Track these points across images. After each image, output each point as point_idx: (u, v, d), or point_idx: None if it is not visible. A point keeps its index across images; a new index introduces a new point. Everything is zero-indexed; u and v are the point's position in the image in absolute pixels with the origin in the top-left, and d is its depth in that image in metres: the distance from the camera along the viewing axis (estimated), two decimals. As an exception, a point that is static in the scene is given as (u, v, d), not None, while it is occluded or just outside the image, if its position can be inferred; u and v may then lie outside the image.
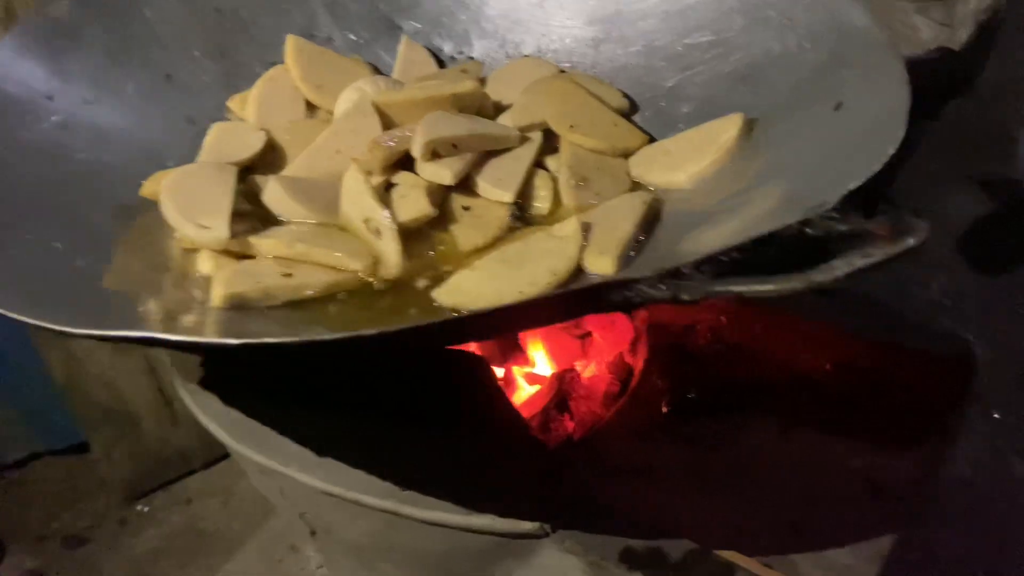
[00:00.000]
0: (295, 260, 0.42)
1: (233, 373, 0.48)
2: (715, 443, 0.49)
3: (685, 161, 0.47)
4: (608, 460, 0.49)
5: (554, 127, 0.52)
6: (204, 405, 0.46)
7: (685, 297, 0.28)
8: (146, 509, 0.88)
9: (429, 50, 0.62)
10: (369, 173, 0.47)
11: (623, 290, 0.29)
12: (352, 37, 0.62)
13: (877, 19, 0.49)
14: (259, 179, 0.50)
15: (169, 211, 0.46)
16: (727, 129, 0.49)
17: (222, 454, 0.90)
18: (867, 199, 0.35)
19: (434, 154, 0.49)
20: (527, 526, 0.42)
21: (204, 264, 0.43)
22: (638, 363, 0.57)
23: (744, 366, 0.53)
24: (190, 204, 0.46)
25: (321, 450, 0.43)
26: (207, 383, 0.46)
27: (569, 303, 0.32)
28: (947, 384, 0.49)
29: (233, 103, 0.57)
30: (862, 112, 0.42)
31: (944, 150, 1.09)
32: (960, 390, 0.48)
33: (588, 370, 0.57)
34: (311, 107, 0.57)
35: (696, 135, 0.49)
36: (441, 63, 0.62)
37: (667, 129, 0.53)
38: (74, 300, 0.39)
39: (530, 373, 0.56)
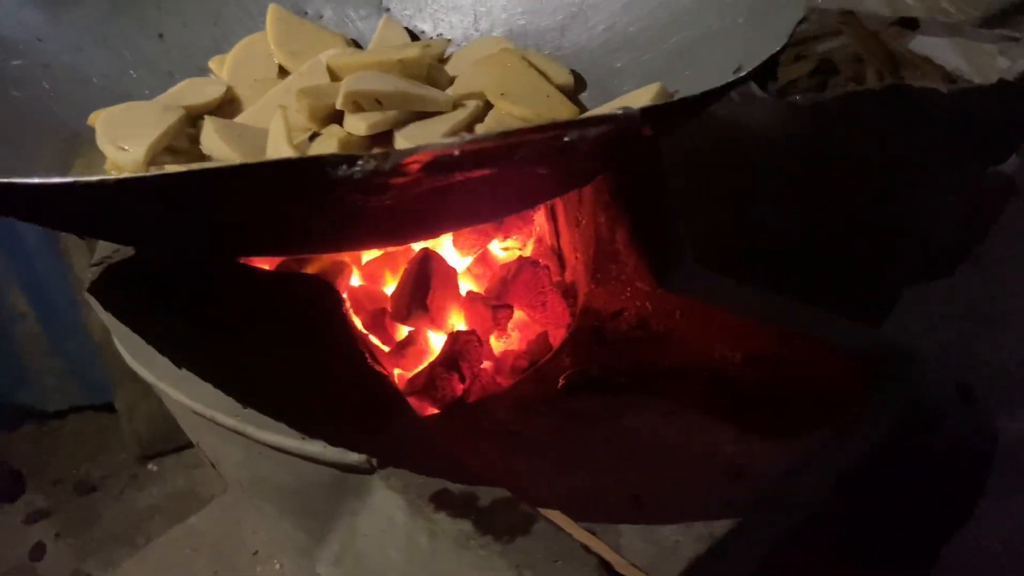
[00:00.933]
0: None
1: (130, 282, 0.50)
2: (594, 419, 0.47)
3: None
4: (480, 423, 0.48)
5: (487, 95, 0.53)
6: (103, 316, 0.49)
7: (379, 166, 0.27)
8: (155, 469, 0.92)
9: (407, 29, 0.64)
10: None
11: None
12: (340, 13, 0.65)
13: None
14: (206, 119, 0.54)
15: (99, 135, 0.50)
16: (641, 97, 0.48)
17: (234, 428, 0.94)
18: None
19: (357, 107, 0.51)
20: (354, 457, 0.41)
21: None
22: (556, 343, 0.55)
23: (654, 351, 0.51)
24: (119, 131, 0.50)
25: (177, 361, 0.44)
26: (101, 294, 0.49)
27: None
28: (837, 381, 0.44)
29: (213, 63, 0.61)
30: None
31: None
32: (849, 388, 0.44)
33: (504, 344, 0.55)
34: (284, 72, 0.60)
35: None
36: (414, 37, 0.64)
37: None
38: None
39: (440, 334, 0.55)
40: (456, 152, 0.25)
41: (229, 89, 0.57)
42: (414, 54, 0.54)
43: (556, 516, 0.39)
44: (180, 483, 0.90)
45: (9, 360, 0.97)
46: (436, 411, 0.50)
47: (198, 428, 0.50)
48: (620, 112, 0.26)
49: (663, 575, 0.36)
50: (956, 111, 0.80)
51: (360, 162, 0.28)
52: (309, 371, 0.43)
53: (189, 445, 0.95)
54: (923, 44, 1.00)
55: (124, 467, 0.93)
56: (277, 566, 0.68)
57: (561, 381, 0.50)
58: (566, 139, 0.26)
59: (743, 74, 0.38)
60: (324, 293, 0.43)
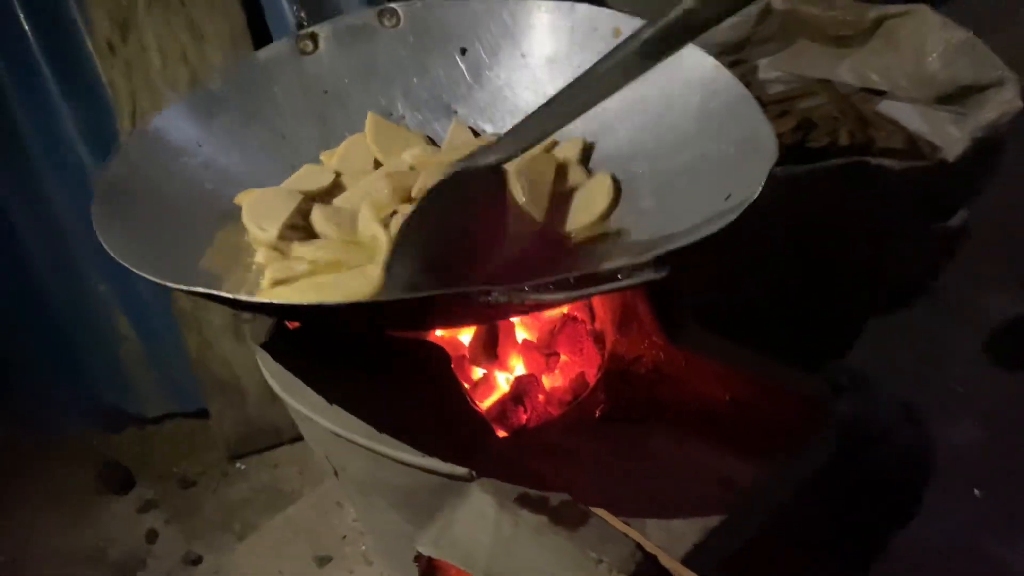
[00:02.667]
0: (317, 262, 0.62)
1: (288, 339, 0.68)
2: (622, 442, 0.65)
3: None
4: (542, 442, 0.66)
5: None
6: (263, 360, 0.67)
7: (516, 302, 0.45)
8: (243, 467, 1.10)
9: (473, 130, 0.82)
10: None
11: (484, 295, 0.47)
12: (419, 116, 0.83)
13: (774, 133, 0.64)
14: (315, 204, 0.71)
15: (244, 215, 0.68)
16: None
17: (306, 433, 1.12)
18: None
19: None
20: (460, 470, 0.59)
21: (259, 256, 0.64)
22: (593, 381, 0.73)
23: (664, 390, 0.69)
24: (258, 212, 0.68)
25: (330, 399, 0.62)
26: (270, 348, 0.67)
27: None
28: (796, 415, 0.62)
29: (324, 156, 0.79)
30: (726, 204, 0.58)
31: (992, 248, 1.18)
32: (804, 421, 0.62)
33: (554, 382, 0.73)
34: (379, 164, 0.78)
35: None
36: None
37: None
38: (179, 269, 0.61)
39: (508, 378, 0.73)
40: (562, 300, 0.43)
41: (336, 176, 0.75)
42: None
43: (602, 512, 0.57)
44: (265, 479, 1.08)
45: (115, 374, 1.15)
46: (506, 434, 0.68)
47: (333, 445, 0.68)
48: (654, 269, 0.44)
49: (674, 553, 0.54)
50: (907, 182, 0.98)
51: (494, 294, 0.46)
52: (428, 407, 0.61)
53: (270, 448, 1.13)
54: (889, 107, 1.17)
55: (216, 465, 1.11)
56: (362, 547, 0.86)
57: (597, 413, 0.68)
58: (625, 285, 0.44)
59: (735, 210, 0.55)
60: (438, 353, 0.61)
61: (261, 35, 1.10)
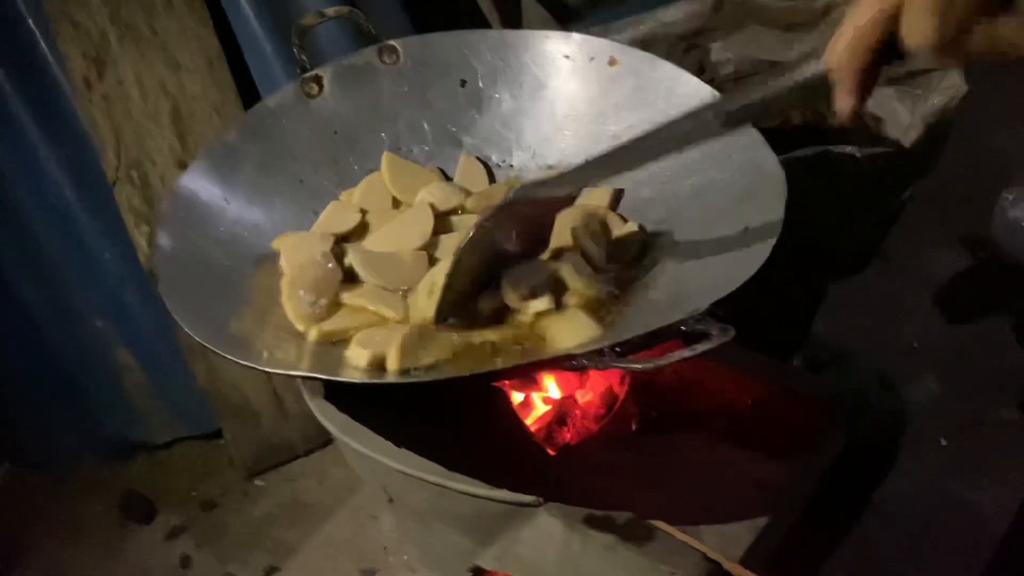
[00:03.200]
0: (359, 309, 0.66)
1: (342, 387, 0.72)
2: (659, 451, 0.72)
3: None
4: (584, 457, 0.73)
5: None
6: (321, 408, 0.71)
7: (601, 368, 0.51)
8: (262, 484, 1.14)
9: (480, 160, 0.86)
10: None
11: (569, 360, 0.52)
12: (426, 149, 0.86)
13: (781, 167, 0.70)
14: (348, 246, 0.75)
15: (283, 259, 0.73)
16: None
17: (319, 444, 1.16)
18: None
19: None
20: (528, 499, 0.65)
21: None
22: (622, 393, 0.80)
23: (690, 398, 0.76)
24: (294, 255, 0.72)
25: (398, 443, 0.67)
26: (326, 395, 0.71)
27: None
28: (811, 414, 0.70)
29: (344, 195, 0.82)
30: (751, 238, 0.64)
31: (933, 211, 1.28)
32: (819, 418, 0.70)
33: (585, 396, 0.80)
34: (396, 202, 0.82)
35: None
36: (490, 170, 0.85)
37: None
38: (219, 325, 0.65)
39: (544, 397, 0.79)
40: (641, 369, 0.49)
41: (362, 215, 0.79)
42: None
43: (663, 525, 0.64)
44: (286, 494, 1.12)
45: (121, 405, 1.16)
46: (553, 452, 0.74)
47: (394, 480, 0.73)
48: (725, 334, 0.50)
49: (732, 556, 0.62)
50: (867, 168, 1.06)
51: (586, 361, 0.52)
52: (490, 440, 0.67)
53: (285, 463, 1.17)
54: None
55: (235, 484, 1.14)
56: (404, 557, 0.92)
57: (634, 425, 0.75)
58: (701, 352, 0.50)
59: (762, 250, 0.61)
60: (501, 395, 0.67)
61: (237, 59, 1.11)
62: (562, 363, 0.53)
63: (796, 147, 1.02)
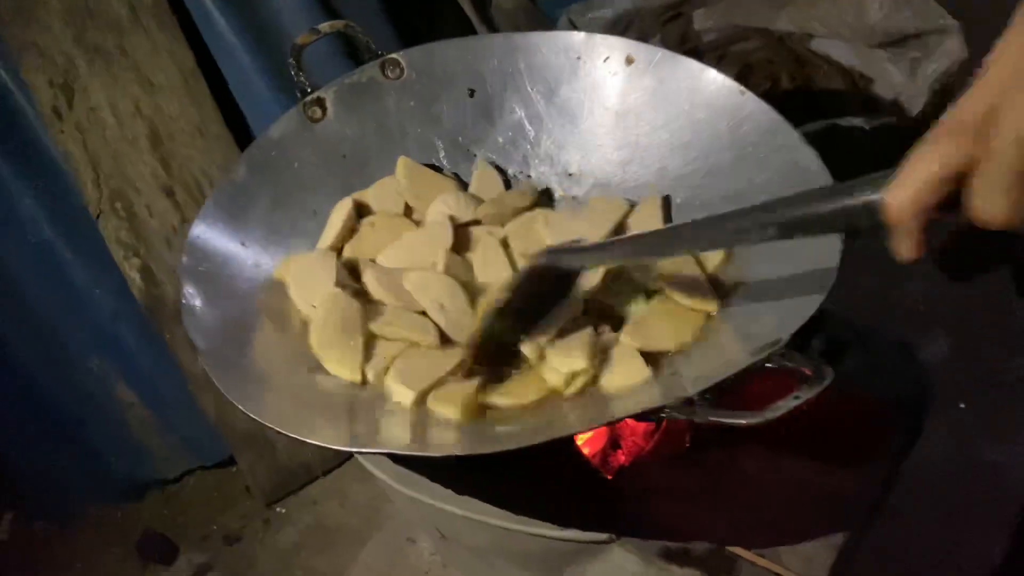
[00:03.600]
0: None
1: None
2: (716, 468, 0.71)
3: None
4: (646, 481, 0.71)
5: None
6: (378, 463, 0.68)
7: (698, 420, 0.49)
8: (283, 511, 1.11)
9: (497, 168, 0.81)
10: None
11: (657, 412, 0.50)
12: (436, 164, 0.82)
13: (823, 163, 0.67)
14: (360, 261, 0.72)
15: (292, 292, 0.69)
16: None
17: (336, 464, 1.13)
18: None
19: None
20: (602, 536, 0.63)
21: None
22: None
23: (738, 405, 0.74)
24: (303, 288, 0.69)
25: (459, 491, 0.65)
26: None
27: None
28: (872, 418, 0.69)
29: (356, 196, 0.77)
30: (810, 250, 0.62)
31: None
32: (882, 423, 0.69)
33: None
34: (408, 208, 0.77)
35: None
36: (507, 179, 0.81)
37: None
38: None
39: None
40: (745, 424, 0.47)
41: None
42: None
43: (741, 552, 0.63)
44: (308, 519, 1.09)
45: (125, 443, 1.12)
46: (610, 477, 0.72)
47: (450, 521, 0.70)
48: (825, 376, 0.48)
49: (816, 577, 0.61)
50: (873, 138, 1.05)
51: (676, 413, 0.49)
52: (556, 479, 0.65)
53: (304, 486, 1.14)
54: (822, 44, 1.22)
55: (255, 514, 1.11)
56: (447, 579, 0.91)
57: (687, 440, 0.73)
58: (804, 400, 0.48)
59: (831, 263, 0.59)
60: (569, 441, 0.64)
61: (213, 73, 1.05)
62: (648, 416, 0.50)
63: (788, 112, 1.01)
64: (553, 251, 0.63)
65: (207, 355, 0.61)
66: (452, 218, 0.75)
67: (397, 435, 0.58)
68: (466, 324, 0.65)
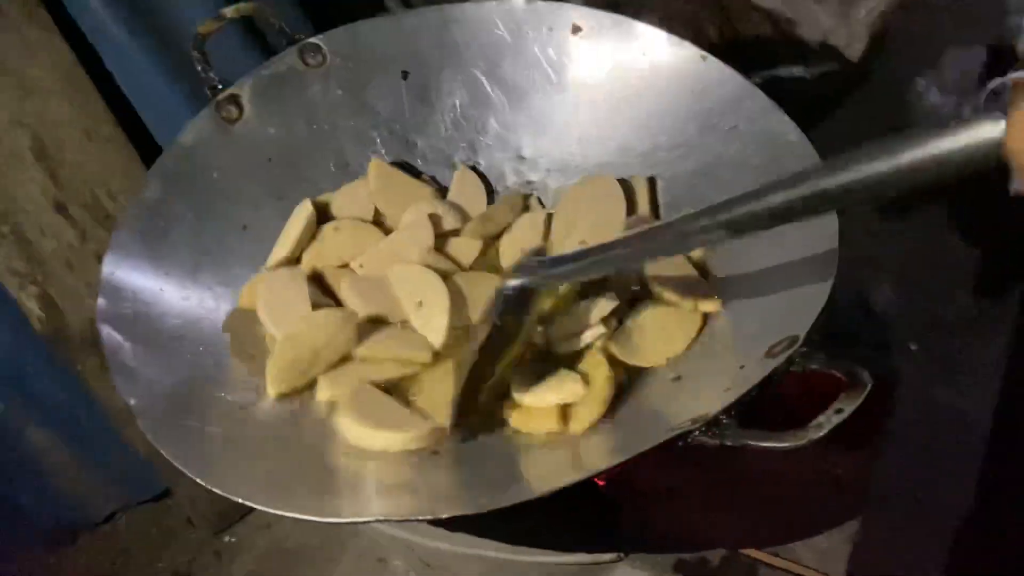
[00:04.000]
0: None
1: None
2: (720, 465, 0.67)
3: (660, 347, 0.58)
4: (642, 484, 0.67)
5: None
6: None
7: (730, 444, 0.44)
8: (233, 540, 1.03)
9: (477, 172, 0.74)
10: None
11: (682, 439, 0.45)
12: (408, 164, 0.74)
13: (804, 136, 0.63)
14: (326, 271, 0.66)
15: (263, 318, 0.62)
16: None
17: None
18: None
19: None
20: (608, 557, 0.59)
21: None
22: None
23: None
24: (277, 313, 0.62)
25: (452, 527, 0.59)
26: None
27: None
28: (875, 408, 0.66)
29: (320, 198, 0.71)
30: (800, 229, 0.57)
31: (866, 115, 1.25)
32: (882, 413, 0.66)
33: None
34: (378, 213, 0.70)
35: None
36: (489, 186, 0.74)
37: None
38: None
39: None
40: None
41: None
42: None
43: (756, 554, 0.59)
44: (263, 544, 1.01)
45: (45, 487, 1.01)
46: (601, 483, 0.68)
47: (441, 558, 0.64)
48: (851, 375, 0.44)
49: (835, 572, 0.58)
50: (815, 86, 1.02)
51: (707, 438, 0.44)
52: (557, 500, 0.59)
53: (250, 511, 1.05)
54: None
55: (204, 546, 1.02)
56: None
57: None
58: (846, 416, 0.43)
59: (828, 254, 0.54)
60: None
61: (95, 66, 0.92)
62: (674, 443, 0.45)
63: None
64: (521, 269, 0.57)
65: (146, 418, 0.52)
66: (432, 216, 0.68)
67: (406, 501, 0.51)
68: (441, 327, 0.60)
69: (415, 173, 0.74)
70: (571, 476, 0.45)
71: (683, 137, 0.69)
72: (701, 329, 0.59)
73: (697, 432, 0.45)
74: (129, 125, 0.94)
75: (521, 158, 0.75)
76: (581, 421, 0.55)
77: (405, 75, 0.74)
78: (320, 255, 0.67)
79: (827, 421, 0.43)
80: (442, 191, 0.73)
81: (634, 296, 0.62)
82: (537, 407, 0.56)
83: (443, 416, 0.54)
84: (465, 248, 0.66)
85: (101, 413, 0.97)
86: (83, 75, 0.91)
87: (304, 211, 0.68)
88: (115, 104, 0.93)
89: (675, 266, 0.62)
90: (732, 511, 0.62)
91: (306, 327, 0.60)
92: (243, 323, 0.63)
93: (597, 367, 0.57)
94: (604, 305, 0.59)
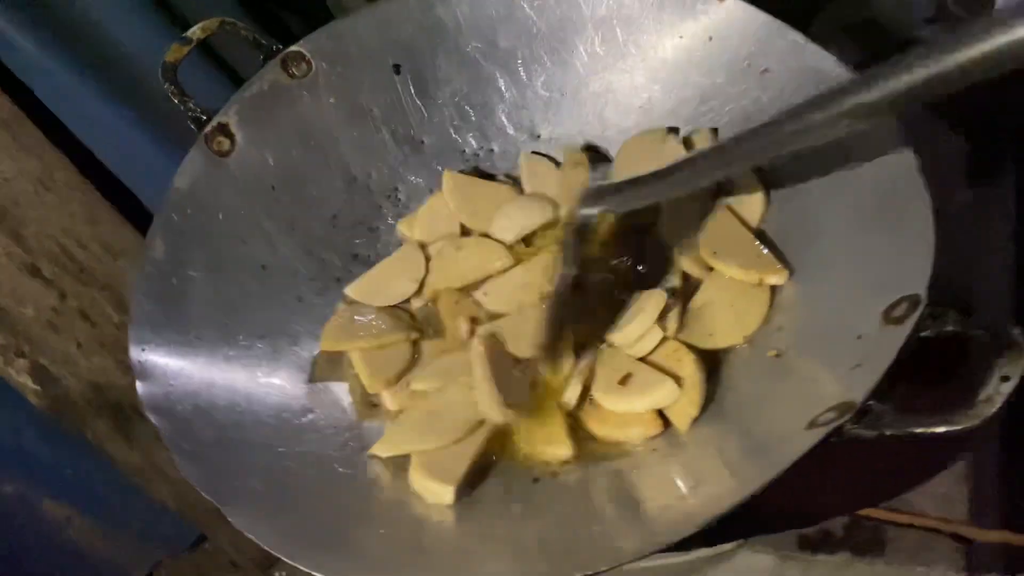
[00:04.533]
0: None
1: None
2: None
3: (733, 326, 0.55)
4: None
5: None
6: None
7: (891, 433, 0.41)
8: (283, 574, 0.98)
9: (548, 157, 0.68)
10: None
11: (833, 435, 0.42)
12: (385, 170, 0.68)
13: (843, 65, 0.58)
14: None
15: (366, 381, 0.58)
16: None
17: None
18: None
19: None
20: (728, 546, 0.56)
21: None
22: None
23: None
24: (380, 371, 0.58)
25: None
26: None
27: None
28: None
29: (403, 225, 0.67)
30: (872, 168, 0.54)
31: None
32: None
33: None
34: (464, 229, 0.65)
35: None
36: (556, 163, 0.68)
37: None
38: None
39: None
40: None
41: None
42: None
43: (875, 513, 0.57)
44: (314, 572, 0.97)
45: (71, 557, 0.95)
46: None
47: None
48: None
49: (959, 513, 0.56)
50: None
51: (862, 431, 0.41)
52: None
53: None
54: None
55: (253, 586, 0.98)
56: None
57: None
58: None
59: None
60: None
61: (37, 110, 0.83)
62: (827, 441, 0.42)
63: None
64: (593, 196, 0.54)
65: (237, 516, 0.47)
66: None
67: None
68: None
69: (489, 176, 0.69)
70: (733, 496, 0.41)
71: (712, 89, 0.64)
72: (772, 301, 0.55)
73: (848, 425, 0.41)
74: (84, 165, 0.86)
75: (537, 137, 0.69)
76: (683, 418, 0.51)
77: (397, 69, 0.68)
78: (443, 276, 0.62)
79: (996, 392, 0.40)
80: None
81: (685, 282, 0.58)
82: (631, 412, 0.53)
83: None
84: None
85: (116, 474, 0.91)
86: (26, 122, 0.82)
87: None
88: (65, 147, 0.85)
89: (733, 238, 0.58)
90: (844, 474, 0.60)
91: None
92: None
93: (682, 358, 0.53)
94: (656, 301, 0.55)
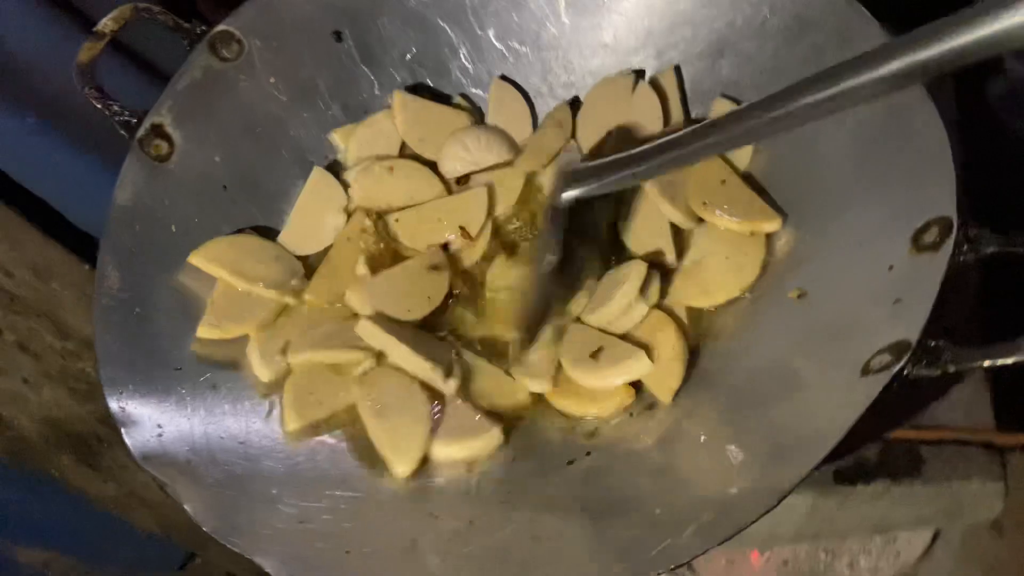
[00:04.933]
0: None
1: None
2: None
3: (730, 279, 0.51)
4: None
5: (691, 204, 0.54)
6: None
7: (956, 370, 0.39)
8: None
9: (515, 85, 0.63)
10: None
11: (896, 379, 0.39)
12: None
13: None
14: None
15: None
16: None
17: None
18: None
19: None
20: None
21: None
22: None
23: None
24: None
25: None
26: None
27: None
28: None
29: (337, 134, 0.62)
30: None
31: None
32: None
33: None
34: (404, 148, 0.61)
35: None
36: (528, 98, 0.63)
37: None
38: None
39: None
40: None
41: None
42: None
43: (905, 434, 0.56)
44: None
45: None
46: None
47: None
48: None
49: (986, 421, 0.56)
50: None
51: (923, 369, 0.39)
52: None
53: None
54: None
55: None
56: None
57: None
58: None
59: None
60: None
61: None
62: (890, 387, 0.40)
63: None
64: (574, 177, 0.51)
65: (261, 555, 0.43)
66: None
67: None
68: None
69: (444, 99, 0.63)
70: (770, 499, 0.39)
71: (680, 15, 0.60)
72: (768, 247, 0.52)
73: (910, 367, 0.39)
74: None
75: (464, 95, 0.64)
76: (665, 389, 0.48)
77: (338, 36, 0.62)
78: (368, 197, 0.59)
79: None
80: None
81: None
82: (601, 388, 0.49)
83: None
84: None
85: (90, 506, 0.86)
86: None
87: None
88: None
89: (724, 186, 0.54)
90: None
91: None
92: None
93: (664, 328, 0.50)
94: (636, 273, 0.51)
